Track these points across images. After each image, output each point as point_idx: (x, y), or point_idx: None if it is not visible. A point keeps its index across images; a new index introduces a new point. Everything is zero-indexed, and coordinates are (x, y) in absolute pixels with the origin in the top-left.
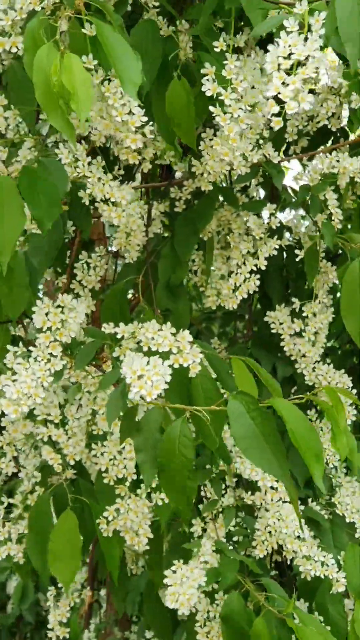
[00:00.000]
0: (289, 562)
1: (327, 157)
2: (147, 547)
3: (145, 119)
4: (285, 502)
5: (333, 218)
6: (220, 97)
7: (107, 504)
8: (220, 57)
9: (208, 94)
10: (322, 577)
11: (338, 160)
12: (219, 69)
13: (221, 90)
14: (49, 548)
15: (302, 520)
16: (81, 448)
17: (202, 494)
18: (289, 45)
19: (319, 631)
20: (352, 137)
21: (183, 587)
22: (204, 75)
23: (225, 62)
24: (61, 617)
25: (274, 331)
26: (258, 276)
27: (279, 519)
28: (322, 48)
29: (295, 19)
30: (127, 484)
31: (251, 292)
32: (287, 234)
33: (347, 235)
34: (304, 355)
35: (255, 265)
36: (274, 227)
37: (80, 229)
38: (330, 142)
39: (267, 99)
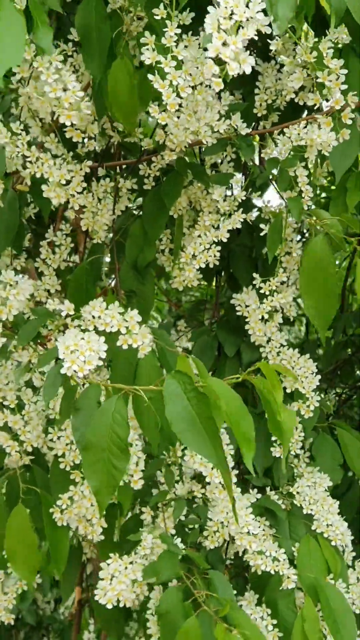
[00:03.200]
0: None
1: (295, 129)
2: (102, 537)
3: (81, 94)
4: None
5: (303, 195)
6: (159, 66)
7: (61, 491)
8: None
9: (147, 62)
10: (273, 572)
11: (307, 133)
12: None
13: (160, 58)
14: (6, 547)
15: (250, 513)
16: (38, 433)
17: (158, 479)
18: (231, 6)
19: (253, 636)
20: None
21: (112, 583)
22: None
23: (165, 29)
24: (7, 603)
25: (239, 314)
26: (219, 248)
27: (228, 513)
28: None
29: None
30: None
31: (211, 264)
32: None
33: (312, 211)
34: (269, 340)
35: (217, 237)
36: (240, 199)
37: (40, 207)
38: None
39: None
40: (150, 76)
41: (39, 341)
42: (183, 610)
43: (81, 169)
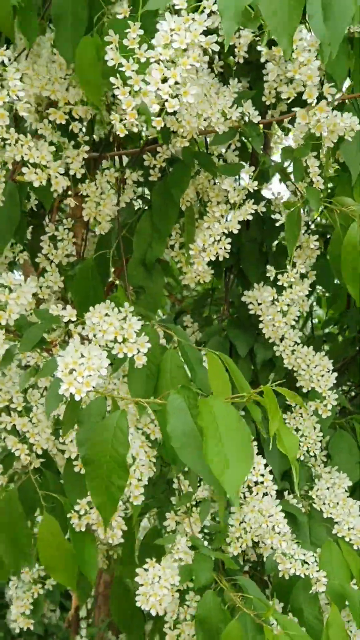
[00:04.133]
0: (264, 560)
1: (314, 113)
2: (122, 540)
3: (22, 94)
4: (266, 494)
5: (315, 187)
6: (121, 69)
7: (77, 495)
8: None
9: (110, 64)
10: (302, 576)
11: (327, 117)
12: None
13: (123, 61)
14: (41, 558)
15: (283, 517)
16: (47, 435)
17: (175, 486)
18: (172, 30)
19: (299, 637)
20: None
21: (154, 588)
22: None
23: (127, 30)
24: (24, 608)
25: (251, 312)
26: (229, 240)
27: (259, 512)
28: None
29: None
30: None
31: (221, 257)
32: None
33: (335, 199)
34: (283, 338)
35: (227, 229)
36: (251, 190)
37: (41, 200)
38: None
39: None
40: (112, 79)
41: (44, 347)
42: (222, 614)
43: (78, 154)
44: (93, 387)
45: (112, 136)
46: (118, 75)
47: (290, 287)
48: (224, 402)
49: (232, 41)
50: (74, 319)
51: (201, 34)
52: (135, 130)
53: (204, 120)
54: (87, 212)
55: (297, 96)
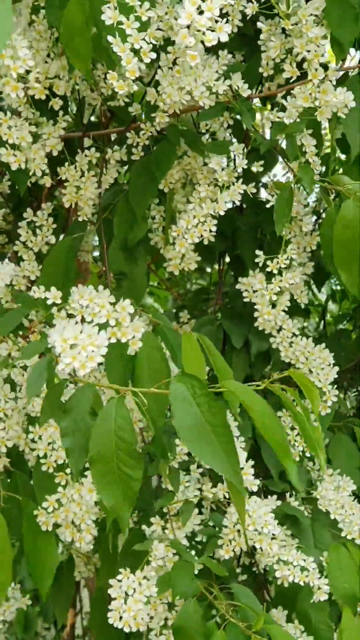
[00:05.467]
0: (263, 566)
1: (306, 89)
2: (91, 546)
3: (31, 63)
4: (254, 493)
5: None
6: (121, 27)
7: (46, 494)
8: None
9: (107, 22)
10: (302, 584)
11: (319, 92)
12: None
13: (123, 18)
14: None
15: (272, 518)
16: (18, 433)
17: (164, 486)
18: None
19: None
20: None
21: (128, 602)
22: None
23: None
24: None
25: (246, 300)
26: (215, 222)
27: (247, 513)
28: None
29: None
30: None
31: (206, 240)
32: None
33: (332, 177)
34: (280, 329)
35: (214, 210)
36: (240, 169)
37: (16, 182)
38: None
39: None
40: (110, 38)
41: (20, 333)
42: (203, 625)
43: (55, 131)
44: (97, 364)
45: (100, 115)
46: (117, 34)
47: (280, 274)
48: (247, 388)
49: (225, 8)
50: (58, 301)
51: None
52: (135, 88)
53: (187, 93)
54: (67, 198)
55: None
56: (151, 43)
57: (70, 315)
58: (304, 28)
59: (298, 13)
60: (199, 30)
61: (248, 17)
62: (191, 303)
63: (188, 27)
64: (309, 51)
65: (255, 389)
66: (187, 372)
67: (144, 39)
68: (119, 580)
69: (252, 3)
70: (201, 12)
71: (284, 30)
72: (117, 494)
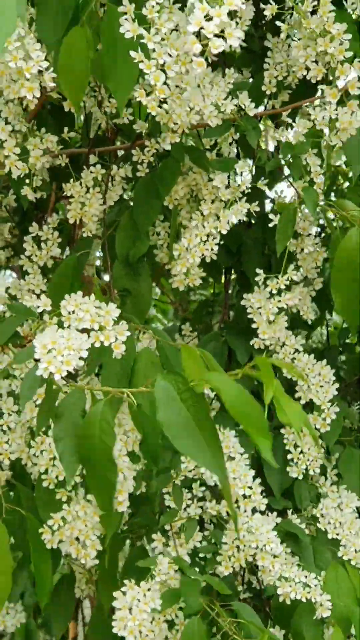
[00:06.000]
0: (263, 583)
1: (323, 108)
2: (96, 562)
3: (45, 64)
4: (258, 511)
5: (315, 188)
6: (142, 41)
7: (50, 510)
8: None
9: (127, 36)
10: (304, 600)
11: (337, 114)
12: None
13: (143, 32)
14: None
15: (275, 535)
16: (21, 447)
17: (167, 503)
18: None
19: None
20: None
21: (133, 612)
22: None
23: None
24: None
25: (251, 316)
26: (217, 240)
27: (248, 532)
28: None
29: None
30: (70, 487)
31: (208, 258)
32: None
33: (337, 202)
34: (284, 344)
35: (216, 229)
36: (244, 187)
37: (18, 195)
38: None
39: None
40: (132, 53)
41: (17, 342)
42: None
43: (42, 142)
44: (74, 367)
45: (106, 131)
46: (139, 49)
47: (279, 294)
48: (226, 377)
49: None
50: (48, 308)
51: None
52: (166, 107)
53: (196, 114)
54: (72, 213)
55: (298, 86)
56: (171, 55)
57: (60, 323)
58: (327, 25)
59: (318, 11)
60: (207, 38)
61: (262, 22)
62: (195, 316)
63: (197, 35)
64: (333, 47)
65: (234, 377)
66: (190, 377)
67: (167, 53)
68: (124, 593)
69: (271, 4)
70: (210, 19)
71: (289, 46)
72: (105, 497)
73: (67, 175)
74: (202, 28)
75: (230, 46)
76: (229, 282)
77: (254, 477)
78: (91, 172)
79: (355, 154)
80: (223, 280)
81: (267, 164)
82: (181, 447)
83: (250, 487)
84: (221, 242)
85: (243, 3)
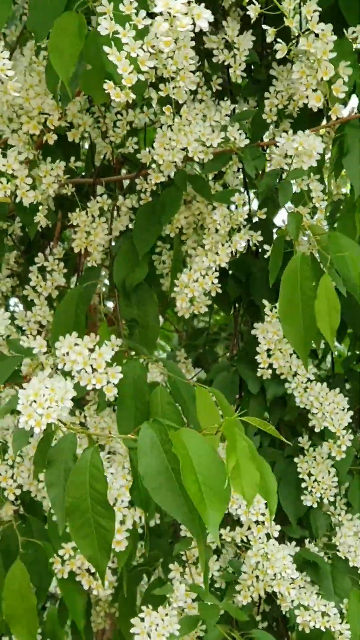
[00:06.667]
0: (283, 612)
1: (295, 137)
2: (107, 592)
3: (11, 73)
4: (269, 537)
5: (318, 213)
6: (117, 35)
7: (61, 540)
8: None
9: (103, 33)
10: (323, 629)
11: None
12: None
13: (119, 28)
14: (4, 609)
15: (291, 561)
16: (28, 480)
17: (182, 534)
18: None
19: None
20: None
21: (152, 637)
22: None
23: None
24: None
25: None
26: (217, 274)
27: (263, 558)
28: None
29: None
30: None
31: (213, 292)
32: None
33: (311, 226)
34: (295, 374)
35: (215, 262)
36: (242, 218)
37: (25, 224)
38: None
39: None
40: (106, 48)
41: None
42: None
43: (52, 169)
44: (55, 420)
45: (111, 160)
46: (112, 43)
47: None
48: (197, 435)
49: (226, 60)
50: (44, 349)
51: None
52: (133, 96)
53: (181, 150)
54: (77, 243)
55: (300, 115)
56: (148, 52)
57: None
58: (310, 25)
59: (302, 10)
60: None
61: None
62: (186, 344)
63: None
64: (316, 48)
65: (210, 432)
66: (203, 426)
67: (141, 47)
68: (142, 619)
69: (254, 4)
70: None
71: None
72: (94, 546)
73: (72, 204)
74: (169, 8)
75: (238, 76)
76: (238, 312)
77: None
78: (97, 201)
79: (357, 178)
80: (232, 311)
81: (260, 193)
82: (159, 500)
83: (262, 514)
84: (230, 272)
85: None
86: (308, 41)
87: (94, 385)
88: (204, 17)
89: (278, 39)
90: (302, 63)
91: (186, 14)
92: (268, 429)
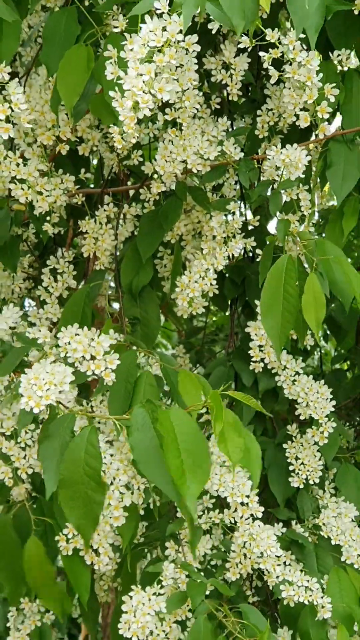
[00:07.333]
0: (271, 588)
1: (284, 149)
2: (109, 567)
3: (24, 107)
4: (257, 519)
5: (306, 221)
6: (120, 82)
7: (66, 521)
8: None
9: (108, 77)
10: (306, 602)
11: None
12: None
13: (122, 73)
14: (28, 580)
15: (275, 540)
16: (37, 462)
17: (179, 515)
18: (150, 31)
19: None
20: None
21: (137, 615)
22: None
23: (123, 42)
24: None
25: (254, 343)
26: (215, 276)
27: (250, 538)
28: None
29: None
30: None
31: (204, 292)
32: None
33: (299, 232)
34: (285, 367)
35: (213, 266)
36: (237, 226)
37: (38, 230)
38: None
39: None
40: (111, 93)
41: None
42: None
43: (62, 182)
44: (54, 401)
45: (118, 172)
46: (116, 88)
47: None
48: (184, 414)
49: (224, 80)
50: (48, 340)
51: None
52: (134, 140)
53: (180, 162)
54: (86, 248)
55: (290, 130)
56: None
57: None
58: (293, 54)
59: (285, 39)
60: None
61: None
62: (200, 344)
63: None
64: (300, 74)
65: (198, 410)
66: (187, 403)
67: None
68: (131, 597)
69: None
70: (140, 76)
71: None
72: (82, 516)
73: (83, 213)
74: (132, 87)
75: (235, 94)
76: (234, 312)
77: (260, 489)
78: (104, 210)
79: (338, 187)
80: (229, 311)
81: (252, 202)
82: (145, 471)
83: (247, 496)
84: (227, 275)
85: (175, 59)
86: (293, 69)
87: (93, 370)
88: (167, 91)
89: (270, 66)
90: (291, 84)
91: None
92: (251, 402)
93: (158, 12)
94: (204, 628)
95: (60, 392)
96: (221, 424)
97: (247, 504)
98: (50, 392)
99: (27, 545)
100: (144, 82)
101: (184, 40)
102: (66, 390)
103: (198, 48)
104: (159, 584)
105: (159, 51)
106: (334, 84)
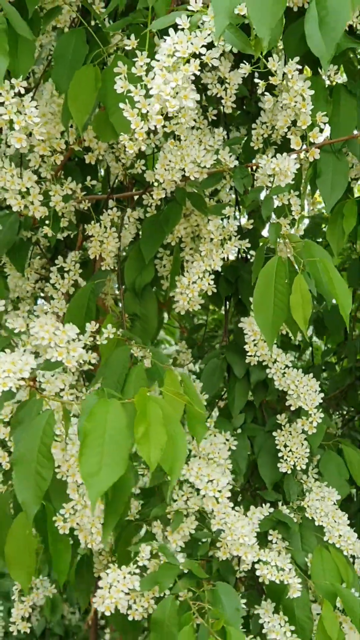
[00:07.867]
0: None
1: (274, 158)
2: (102, 545)
3: (37, 120)
4: (232, 507)
5: (296, 225)
6: (130, 94)
7: (62, 500)
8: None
9: (118, 91)
10: (277, 582)
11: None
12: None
13: (131, 87)
14: (6, 552)
15: (250, 530)
16: None
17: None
18: (175, 43)
19: None
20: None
21: (111, 591)
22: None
23: (135, 59)
24: (24, 611)
25: (247, 337)
26: (212, 277)
27: (226, 527)
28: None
29: (188, 15)
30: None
31: (209, 291)
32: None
33: (288, 234)
34: (275, 361)
35: (210, 266)
36: (232, 229)
37: (45, 234)
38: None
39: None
40: (121, 105)
41: None
42: (178, 620)
43: (63, 189)
44: (13, 387)
45: (124, 180)
46: (127, 101)
47: None
48: (120, 405)
49: (218, 93)
50: (23, 329)
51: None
52: (143, 147)
53: (179, 170)
54: (92, 250)
55: (282, 142)
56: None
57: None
58: (292, 82)
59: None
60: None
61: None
62: (201, 340)
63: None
64: (296, 102)
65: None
66: (165, 399)
67: (169, 95)
68: (107, 574)
69: (245, 64)
70: (167, 84)
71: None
72: (30, 492)
73: (92, 218)
74: (161, 91)
75: (229, 107)
76: (228, 309)
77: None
78: (109, 214)
79: (328, 194)
80: (224, 308)
81: (247, 206)
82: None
83: (219, 491)
84: (222, 274)
85: (199, 70)
86: (290, 95)
87: (57, 358)
88: (191, 98)
89: (266, 93)
90: (283, 105)
91: (175, 97)
92: (182, 397)
93: (179, 27)
94: (171, 607)
95: (21, 379)
96: (144, 425)
97: (217, 498)
98: (8, 380)
99: (16, 519)
100: (172, 88)
101: (204, 55)
102: (26, 377)
103: (217, 63)
104: (135, 563)
105: (187, 62)
106: (325, 113)
